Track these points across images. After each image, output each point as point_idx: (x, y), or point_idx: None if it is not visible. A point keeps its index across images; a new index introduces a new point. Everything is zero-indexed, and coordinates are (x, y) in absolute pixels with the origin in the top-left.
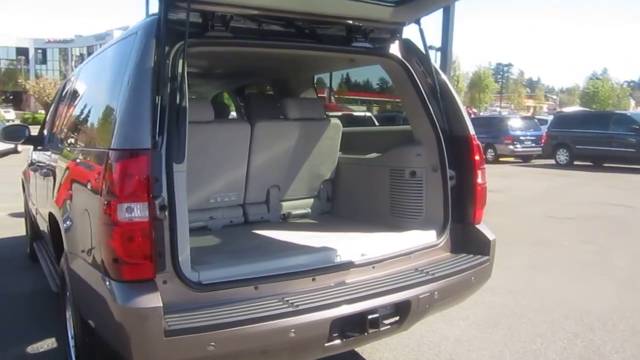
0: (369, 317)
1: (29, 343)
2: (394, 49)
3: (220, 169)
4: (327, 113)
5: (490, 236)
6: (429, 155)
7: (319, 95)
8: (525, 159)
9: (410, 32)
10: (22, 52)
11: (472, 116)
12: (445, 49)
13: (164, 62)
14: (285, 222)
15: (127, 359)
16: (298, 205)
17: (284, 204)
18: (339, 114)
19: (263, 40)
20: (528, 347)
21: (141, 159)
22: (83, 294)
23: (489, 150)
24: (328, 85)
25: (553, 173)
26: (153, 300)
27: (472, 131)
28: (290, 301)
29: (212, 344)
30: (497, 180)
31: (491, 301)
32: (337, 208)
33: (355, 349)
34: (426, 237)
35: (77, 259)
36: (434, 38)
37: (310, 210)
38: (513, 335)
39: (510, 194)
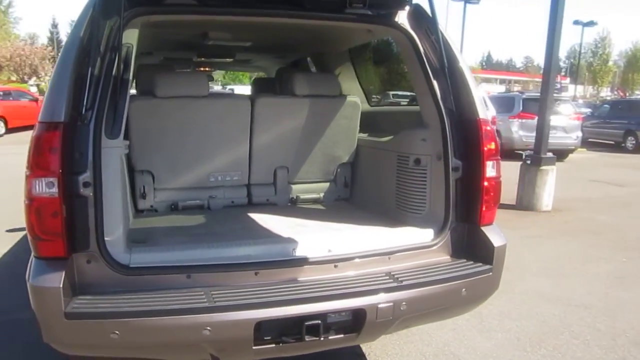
0: (307, 323)
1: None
2: (401, 16)
3: (219, 147)
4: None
5: (497, 241)
6: (435, 141)
7: None
8: None
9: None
10: None
11: (621, 98)
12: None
13: (97, 32)
14: (293, 206)
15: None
16: (309, 190)
17: (294, 187)
18: None
19: (234, 7)
20: None
21: (53, 133)
22: None
23: (629, 138)
24: None
25: None
26: (53, 280)
27: (482, 114)
28: (213, 296)
29: (116, 332)
30: (625, 173)
31: (548, 313)
32: (355, 195)
33: (363, 351)
34: (419, 236)
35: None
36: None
37: (322, 195)
38: (553, 358)
39: (633, 189)
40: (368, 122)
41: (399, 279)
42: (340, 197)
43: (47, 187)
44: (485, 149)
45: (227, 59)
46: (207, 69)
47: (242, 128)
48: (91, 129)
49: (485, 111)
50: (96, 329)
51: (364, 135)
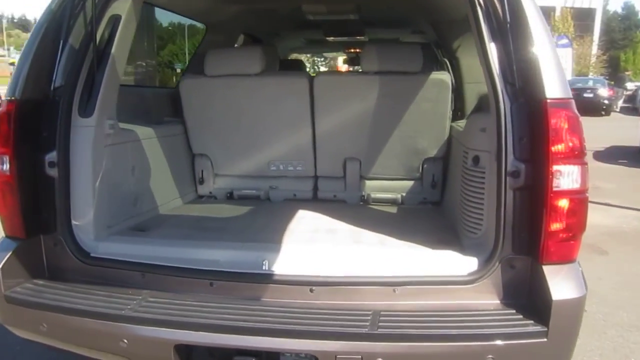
0: (236, 357)
1: None
2: None
3: (278, 132)
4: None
5: (560, 293)
6: (494, 131)
7: None
8: None
9: None
10: None
11: None
12: None
13: (71, 4)
14: (362, 206)
15: None
16: (386, 188)
17: (368, 183)
18: None
19: None
20: None
21: (5, 110)
22: None
23: None
24: None
25: None
26: None
27: (553, 92)
28: (142, 304)
29: (44, 324)
30: None
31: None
32: (447, 199)
33: None
34: (455, 265)
35: None
36: None
37: (404, 195)
38: None
39: None
40: None
41: (380, 324)
42: (427, 199)
43: (2, 165)
44: (553, 148)
45: (337, 37)
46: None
47: (302, 111)
48: (61, 106)
49: (563, 88)
50: (28, 317)
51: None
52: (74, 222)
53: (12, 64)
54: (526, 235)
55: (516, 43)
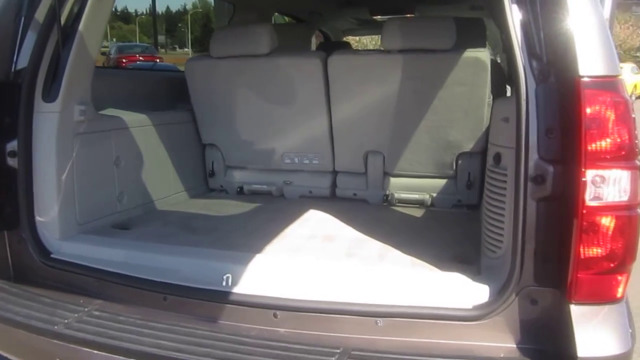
0: None
1: None
2: None
3: (291, 120)
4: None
5: (589, 346)
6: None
7: None
8: None
9: None
10: None
11: None
12: None
13: None
14: (385, 208)
15: None
16: (414, 187)
17: (393, 180)
18: None
19: None
20: None
21: None
22: None
23: None
24: None
25: None
26: None
27: (588, 68)
28: (82, 317)
29: None
30: None
31: None
32: None
33: None
34: (460, 294)
35: None
36: None
37: (433, 196)
38: None
39: None
40: None
41: None
42: (462, 202)
43: None
44: (591, 145)
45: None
46: None
47: (316, 96)
48: (23, 90)
49: (607, 62)
50: None
51: None
52: (37, 218)
53: (103, 53)
54: (553, 262)
55: (547, 10)
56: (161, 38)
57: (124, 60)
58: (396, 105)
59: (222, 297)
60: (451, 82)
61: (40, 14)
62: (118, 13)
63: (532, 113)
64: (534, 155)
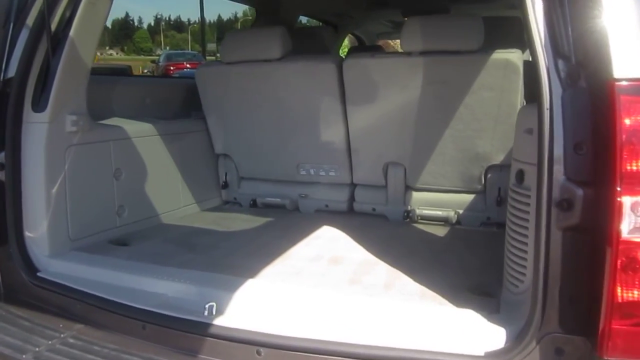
0: None
1: None
2: None
3: (305, 128)
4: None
5: None
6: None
7: None
8: None
9: None
10: None
11: None
12: None
13: None
14: (404, 225)
15: None
16: (438, 202)
17: (415, 195)
18: None
19: None
20: None
21: None
22: None
23: None
24: None
25: None
26: None
27: (623, 69)
28: (55, 346)
29: None
30: None
31: None
32: None
33: None
34: (469, 336)
35: None
36: None
37: (459, 214)
38: None
39: None
40: None
41: None
42: (492, 220)
43: None
44: (628, 165)
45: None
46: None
47: (331, 103)
48: (11, 99)
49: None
50: None
51: None
52: (26, 233)
53: (152, 61)
54: (582, 305)
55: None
56: (212, 46)
57: (171, 68)
58: (418, 113)
59: (202, 329)
60: (479, 87)
61: (31, 20)
62: (171, 22)
63: (557, 124)
64: (559, 175)
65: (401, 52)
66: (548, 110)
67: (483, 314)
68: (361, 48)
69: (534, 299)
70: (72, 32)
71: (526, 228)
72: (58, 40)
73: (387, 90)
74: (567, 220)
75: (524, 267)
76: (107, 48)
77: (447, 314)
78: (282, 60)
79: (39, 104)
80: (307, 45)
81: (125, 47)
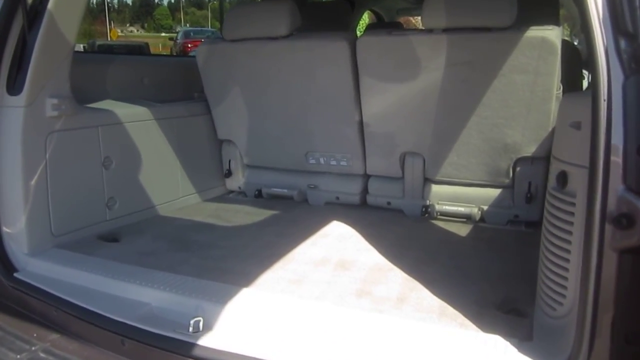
0: None
1: None
2: None
3: (315, 113)
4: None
5: None
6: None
7: None
8: None
9: None
10: None
11: None
12: None
13: None
14: (423, 222)
15: None
16: (460, 197)
17: (435, 188)
18: None
19: None
20: None
21: None
22: None
23: None
24: None
25: None
26: None
27: None
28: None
29: None
30: None
31: None
32: None
33: None
34: None
35: None
36: None
37: (483, 210)
38: None
39: None
40: None
41: None
42: (520, 218)
43: None
44: None
45: None
46: None
47: (343, 86)
48: None
49: None
50: None
51: None
52: (4, 229)
53: (170, 38)
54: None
55: None
56: None
57: (189, 45)
58: (439, 97)
59: (184, 348)
60: (510, 69)
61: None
62: None
63: (616, 119)
64: (617, 184)
65: (422, 30)
66: (605, 102)
67: (513, 341)
68: (379, 25)
69: (579, 332)
70: (50, 4)
71: (569, 242)
72: (35, 13)
73: (406, 71)
74: (626, 240)
75: (564, 287)
76: (128, 25)
77: (470, 339)
78: (290, 38)
79: (14, 86)
80: (321, 22)
81: (146, 24)
